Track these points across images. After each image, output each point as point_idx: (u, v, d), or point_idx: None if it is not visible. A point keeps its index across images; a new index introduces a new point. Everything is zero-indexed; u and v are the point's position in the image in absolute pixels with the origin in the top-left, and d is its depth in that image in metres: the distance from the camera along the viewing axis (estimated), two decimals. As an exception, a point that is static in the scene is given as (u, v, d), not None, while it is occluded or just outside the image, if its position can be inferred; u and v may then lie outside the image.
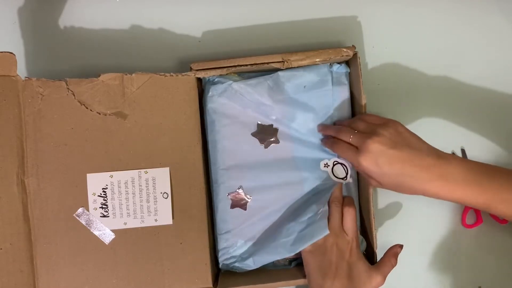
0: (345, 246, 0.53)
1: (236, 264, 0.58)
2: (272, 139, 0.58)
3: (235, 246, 0.58)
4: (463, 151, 0.64)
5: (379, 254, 0.56)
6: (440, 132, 0.63)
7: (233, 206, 0.58)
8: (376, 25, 0.64)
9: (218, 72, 0.56)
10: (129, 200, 0.55)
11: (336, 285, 0.51)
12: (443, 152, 0.51)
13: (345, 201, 0.56)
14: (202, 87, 0.60)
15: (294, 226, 0.56)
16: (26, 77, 0.54)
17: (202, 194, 0.56)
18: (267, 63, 0.55)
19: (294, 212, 0.58)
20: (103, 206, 0.55)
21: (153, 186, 0.55)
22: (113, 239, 0.55)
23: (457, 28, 0.65)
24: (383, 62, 0.64)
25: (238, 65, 0.55)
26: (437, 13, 0.65)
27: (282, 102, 0.58)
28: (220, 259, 0.58)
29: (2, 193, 0.53)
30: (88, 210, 0.55)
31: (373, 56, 0.64)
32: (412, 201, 0.62)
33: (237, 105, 0.58)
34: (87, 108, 0.54)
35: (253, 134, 0.58)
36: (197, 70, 0.56)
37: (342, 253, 0.53)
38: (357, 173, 0.60)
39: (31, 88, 0.54)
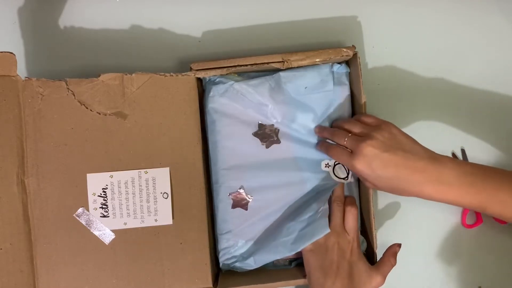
0: (346, 245, 0.54)
1: (237, 264, 0.58)
2: (273, 139, 0.58)
3: (236, 246, 0.58)
4: (463, 151, 0.64)
5: (379, 254, 0.56)
6: (439, 132, 0.63)
7: (234, 206, 0.58)
8: (376, 25, 0.64)
9: (218, 72, 0.56)
10: (129, 200, 0.55)
11: (337, 284, 0.51)
12: (437, 154, 0.51)
13: (347, 200, 0.56)
14: (202, 87, 0.60)
15: (295, 225, 0.56)
16: (26, 77, 0.54)
17: (202, 194, 0.56)
18: (267, 63, 0.55)
19: (295, 211, 0.58)
20: (103, 206, 0.55)
21: (153, 186, 0.55)
22: (113, 239, 0.55)
23: (457, 28, 0.65)
24: (383, 62, 0.64)
25: (238, 65, 0.55)
26: (437, 13, 0.65)
27: (283, 103, 0.58)
28: (221, 259, 0.58)
29: (2, 193, 0.53)
30: (88, 210, 0.55)
31: (373, 56, 0.64)
32: (411, 201, 0.62)
33: (238, 105, 0.58)
34: (87, 108, 0.54)
35: (254, 134, 0.58)
36: (197, 70, 0.56)
37: (343, 252, 0.53)
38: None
39: (31, 88, 0.54)
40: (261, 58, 0.55)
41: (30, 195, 0.54)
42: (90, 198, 0.55)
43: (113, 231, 0.55)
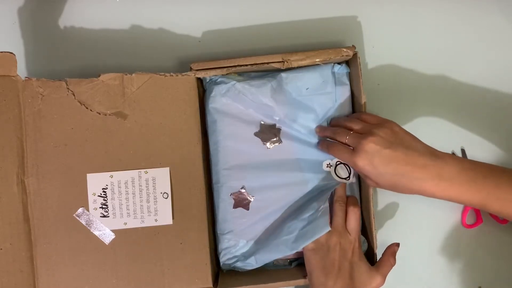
0: (348, 246, 0.54)
1: (238, 264, 0.58)
2: (275, 139, 0.58)
3: (237, 246, 0.58)
4: (463, 151, 0.64)
5: (379, 254, 0.56)
6: (440, 132, 0.63)
7: (235, 206, 0.58)
8: (376, 25, 0.64)
9: (218, 72, 0.56)
10: (129, 200, 0.55)
11: (339, 284, 0.51)
12: (438, 151, 0.51)
13: (349, 201, 0.56)
14: (202, 87, 0.60)
15: (295, 223, 0.56)
16: (26, 77, 0.54)
17: (202, 194, 0.56)
18: (267, 63, 0.55)
19: (296, 210, 0.58)
20: (103, 206, 0.55)
21: (153, 186, 0.55)
22: (113, 239, 0.55)
23: (457, 28, 0.65)
24: (383, 62, 0.64)
25: (238, 65, 0.55)
26: (437, 13, 0.65)
27: (285, 104, 0.58)
28: (222, 259, 0.58)
29: (2, 193, 0.53)
30: (88, 210, 0.55)
31: (373, 56, 0.64)
32: (412, 201, 0.62)
33: (239, 105, 0.58)
34: (87, 108, 0.54)
35: (256, 134, 0.58)
36: (197, 70, 0.56)
37: (345, 252, 0.53)
38: (358, 173, 0.60)
39: (31, 88, 0.54)
40: (261, 58, 0.55)
41: (30, 195, 0.54)
42: (90, 198, 0.55)
43: (113, 231, 0.55)
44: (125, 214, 0.55)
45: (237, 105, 0.58)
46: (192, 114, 0.56)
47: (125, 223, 0.55)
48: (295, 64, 0.56)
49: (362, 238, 0.58)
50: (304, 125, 0.58)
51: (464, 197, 0.49)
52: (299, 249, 0.54)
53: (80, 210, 0.55)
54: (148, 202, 0.55)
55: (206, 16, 0.64)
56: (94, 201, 0.55)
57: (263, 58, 0.55)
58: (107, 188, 0.55)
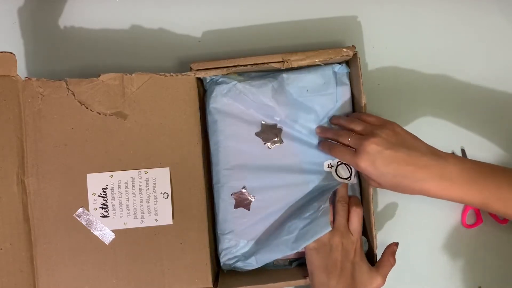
0: (350, 246, 0.54)
1: (238, 264, 0.58)
2: (276, 139, 0.58)
3: (237, 246, 0.58)
4: (463, 151, 0.64)
5: (379, 254, 0.56)
6: (440, 132, 0.63)
7: (236, 206, 0.58)
8: (376, 25, 0.64)
9: (218, 72, 0.56)
10: (129, 200, 0.55)
11: (341, 284, 0.51)
12: (440, 151, 0.51)
13: (352, 201, 0.56)
14: (203, 87, 0.60)
15: (296, 223, 0.56)
16: (26, 77, 0.54)
17: (202, 194, 0.56)
18: (267, 63, 0.55)
19: (296, 210, 0.58)
20: (103, 206, 0.55)
21: (153, 186, 0.55)
22: (113, 239, 0.55)
23: (457, 28, 0.65)
24: (383, 62, 0.64)
25: (238, 65, 0.55)
26: (437, 13, 0.65)
27: (286, 104, 0.58)
28: (222, 260, 0.58)
29: (2, 193, 0.53)
30: (88, 210, 0.55)
31: (373, 56, 0.64)
32: (412, 201, 0.62)
33: (240, 105, 0.58)
34: (87, 108, 0.54)
35: (257, 134, 0.58)
36: (197, 70, 0.56)
37: (347, 253, 0.53)
38: (359, 174, 0.60)
39: (31, 88, 0.54)
40: (261, 58, 0.55)
41: (30, 195, 0.54)
42: (90, 198, 0.55)
43: (113, 231, 0.55)
44: (125, 214, 0.55)
45: (238, 105, 0.58)
46: (192, 114, 0.56)
47: (125, 223, 0.55)
48: (295, 64, 0.56)
49: (364, 238, 0.58)
50: (305, 125, 0.58)
51: (466, 197, 0.49)
52: (300, 249, 0.54)
53: (80, 210, 0.55)
54: (148, 202, 0.55)
55: (206, 16, 0.64)
56: (94, 201, 0.55)
57: (263, 58, 0.55)
58: (107, 188, 0.55)
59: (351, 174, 0.58)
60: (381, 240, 0.59)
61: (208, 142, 0.59)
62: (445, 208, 0.63)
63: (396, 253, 0.56)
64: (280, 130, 0.58)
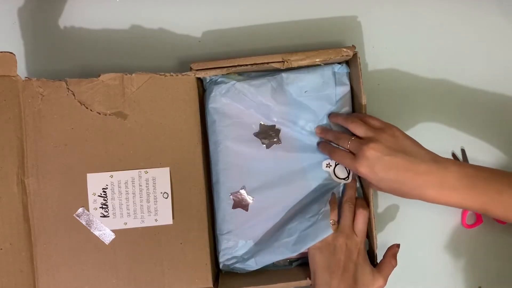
0: (354, 247, 0.54)
1: (238, 265, 0.58)
2: (275, 140, 0.58)
3: (236, 247, 0.58)
4: (463, 151, 0.64)
5: (379, 255, 0.56)
6: (440, 132, 0.63)
7: (235, 206, 0.58)
8: (376, 25, 0.64)
9: (218, 72, 0.56)
10: (129, 200, 0.55)
11: (343, 285, 0.52)
12: (439, 157, 0.50)
13: (358, 203, 0.56)
14: (202, 87, 0.60)
15: (296, 226, 0.56)
16: (26, 77, 0.54)
17: (202, 194, 0.56)
18: (267, 63, 0.55)
19: (296, 212, 0.58)
20: (103, 206, 0.55)
21: (153, 186, 0.55)
22: (113, 239, 0.55)
23: (457, 28, 0.65)
24: (383, 62, 0.64)
25: (238, 65, 0.55)
26: (437, 13, 0.65)
27: (285, 104, 0.58)
28: (221, 260, 0.58)
29: (2, 193, 0.53)
30: (88, 210, 0.55)
31: (373, 56, 0.64)
32: (411, 202, 0.61)
33: (239, 105, 0.58)
34: (87, 108, 0.54)
35: (255, 134, 0.58)
36: (197, 70, 0.56)
37: (351, 253, 0.53)
38: (359, 175, 0.60)
39: (31, 88, 0.54)
40: (261, 58, 0.55)
41: (30, 195, 0.54)
42: (90, 198, 0.55)
43: (113, 231, 0.55)
44: (125, 214, 0.55)
45: (237, 105, 0.58)
46: (192, 114, 0.56)
47: (125, 223, 0.55)
48: (295, 64, 0.56)
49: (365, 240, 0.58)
50: (304, 125, 0.58)
51: (465, 203, 0.49)
52: (300, 251, 0.54)
53: (80, 210, 0.55)
54: (148, 202, 0.55)
55: (206, 16, 0.64)
56: (94, 201, 0.55)
57: (263, 58, 0.55)
58: (107, 188, 0.55)
59: (348, 174, 0.58)
60: (382, 241, 0.59)
61: (208, 142, 0.59)
62: (445, 209, 0.62)
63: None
64: (279, 130, 0.58)
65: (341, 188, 0.58)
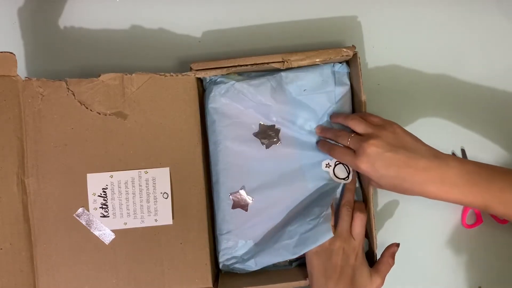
0: (351, 251, 0.53)
1: (237, 265, 0.58)
2: (274, 140, 0.58)
3: (236, 247, 0.58)
4: (463, 151, 0.64)
5: (379, 255, 0.56)
6: (440, 132, 0.63)
7: (234, 206, 0.58)
8: (376, 25, 0.64)
9: (218, 72, 0.56)
10: (129, 200, 0.55)
11: (339, 287, 0.51)
12: (441, 153, 0.50)
13: (356, 206, 0.56)
14: (202, 87, 0.60)
15: (296, 228, 0.55)
16: (26, 77, 0.54)
17: (202, 194, 0.56)
18: (267, 63, 0.55)
19: (297, 213, 0.58)
20: (103, 206, 0.55)
21: (153, 186, 0.55)
22: (113, 239, 0.55)
23: (457, 28, 0.65)
24: (383, 62, 0.64)
25: (238, 65, 0.55)
26: (437, 13, 0.65)
27: (285, 103, 0.58)
28: (221, 260, 0.58)
29: (2, 193, 0.53)
30: (88, 210, 0.55)
31: (373, 56, 0.64)
32: (412, 202, 0.62)
33: (239, 105, 0.58)
34: (87, 108, 0.54)
35: (255, 134, 0.58)
36: (197, 70, 0.56)
37: (348, 257, 0.53)
38: (358, 174, 0.60)
39: (31, 88, 0.54)
40: (261, 58, 0.55)
41: (30, 195, 0.54)
42: (90, 198, 0.55)
43: (113, 231, 0.55)
44: (125, 214, 0.55)
45: (236, 105, 0.58)
46: (192, 114, 0.56)
47: (125, 223, 0.55)
48: (295, 64, 0.56)
49: (365, 240, 0.58)
50: (303, 125, 0.58)
51: (466, 200, 0.49)
52: (300, 254, 0.54)
53: (80, 210, 0.55)
54: (148, 202, 0.55)
55: (206, 16, 0.64)
56: (94, 201, 0.55)
57: (263, 58, 0.55)
58: (107, 188, 0.55)
59: (348, 174, 0.58)
60: (381, 240, 0.59)
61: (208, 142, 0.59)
62: (445, 208, 0.63)
63: (396, 253, 0.56)
64: (278, 130, 0.58)
65: (341, 187, 0.58)
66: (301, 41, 0.64)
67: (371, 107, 0.61)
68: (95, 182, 0.55)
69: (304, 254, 0.56)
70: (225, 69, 0.55)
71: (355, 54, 0.56)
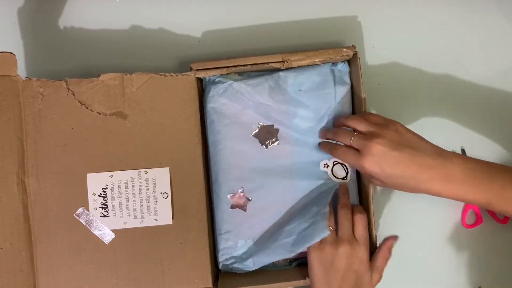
0: (355, 255, 0.53)
1: (236, 265, 0.58)
2: (273, 140, 0.58)
3: (235, 247, 0.58)
4: (463, 150, 0.64)
5: (379, 254, 0.56)
6: (440, 132, 0.63)
7: (233, 206, 0.58)
8: (376, 25, 0.64)
9: (218, 72, 0.56)
10: (129, 200, 0.55)
11: None
12: (444, 150, 0.51)
13: (355, 208, 0.56)
14: (202, 87, 0.60)
15: (294, 227, 0.55)
16: (26, 77, 0.54)
17: (202, 194, 0.56)
18: (267, 63, 0.55)
19: (295, 213, 0.58)
20: (103, 206, 0.55)
21: (153, 186, 0.55)
22: (113, 239, 0.55)
23: (457, 28, 0.65)
24: (383, 62, 0.64)
25: (238, 65, 0.55)
26: (437, 13, 0.65)
27: (283, 102, 0.58)
28: (220, 260, 0.58)
29: (2, 193, 0.53)
30: (88, 210, 0.55)
31: (373, 56, 0.64)
32: (412, 201, 0.62)
33: (237, 105, 0.58)
34: (87, 108, 0.54)
35: (254, 135, 0.58)
36: (197, 70, 0.56)
37: (351, 263, 0.53)
38: (357, 173, 0.60)
39: (31, 88, 0.54)
40: (261, 58, 0.55)
41: (30, 195, 0.54)
42: (90, 198, 0.55)
43: (113, 231, 0.55)
44: (125, 214, 0.55)
45: (235, 105, 0.58)
46: (192, 114, 0.56)
47: (125, 223, 0.55)
48: (295, 64, 0.56)
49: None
50: (302, 124, 0.58)
51: (470, 197, 0.49)
52: (297, 252, 0.54)
53: (80, 210, 0.55)
54: (148, 202, 0.55)
55: (206, 16, 0.64)
56: (94, 201, 0.55)
57: (263, 58, 0.55)
58: (107, 188, 0.55)
59: (347, 174, 0.58)
60: (381, 239, 0.59)
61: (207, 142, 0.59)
62: (445, 208, 0.63)
63: (396, 253, 0.56)
64: (277, 130, 0.58)
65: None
66: (301, 41, 0.64)
67: (371, 107, 0.61)
68: (95, 182, 0.55)
69: (303, 253, 0.56)
70: (225, 69, 0.55)
71: (355, 54, 0.56)
